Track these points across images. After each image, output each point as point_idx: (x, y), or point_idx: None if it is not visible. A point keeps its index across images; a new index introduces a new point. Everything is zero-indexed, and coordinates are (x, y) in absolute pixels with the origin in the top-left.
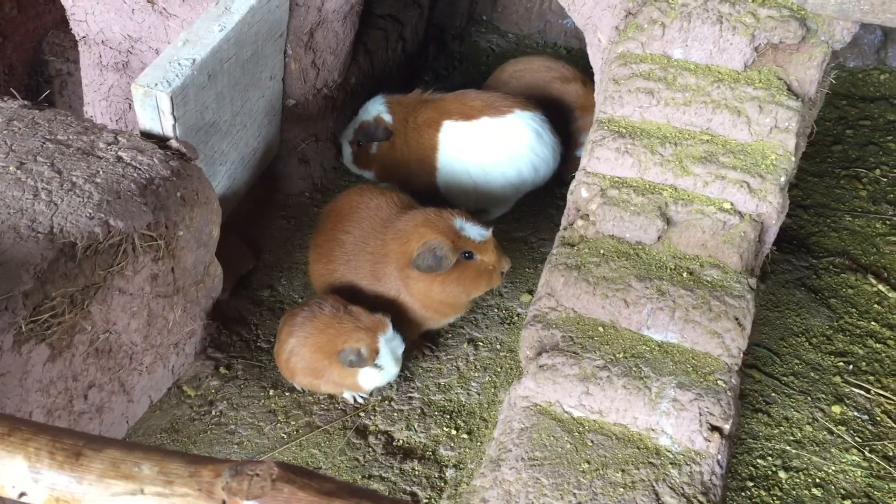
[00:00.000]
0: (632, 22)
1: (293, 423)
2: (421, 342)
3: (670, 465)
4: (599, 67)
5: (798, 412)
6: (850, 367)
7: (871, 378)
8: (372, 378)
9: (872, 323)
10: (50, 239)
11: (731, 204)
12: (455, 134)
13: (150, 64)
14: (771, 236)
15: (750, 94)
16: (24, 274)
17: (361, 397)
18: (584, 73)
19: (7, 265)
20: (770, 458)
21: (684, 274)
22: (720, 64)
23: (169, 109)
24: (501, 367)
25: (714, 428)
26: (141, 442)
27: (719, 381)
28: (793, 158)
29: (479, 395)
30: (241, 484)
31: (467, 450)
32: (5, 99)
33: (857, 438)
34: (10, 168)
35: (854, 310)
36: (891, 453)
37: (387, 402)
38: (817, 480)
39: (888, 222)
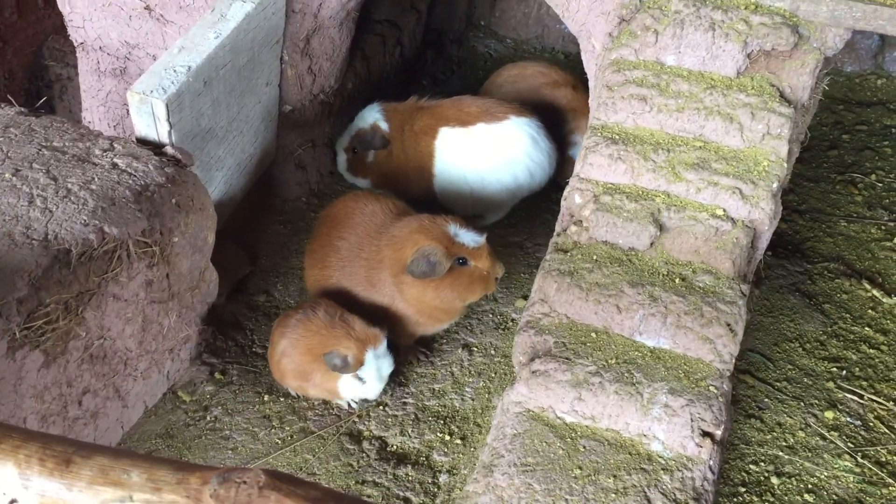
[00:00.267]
0: (625, 29)
1: (287, 428)
2: (415, 347)
3: (662, 471)
4: (593, 74)
5: (791, 418)
6: (844, 372)
7: (865, 384)
8: (352, 388)
9: (866, 328)
10: (45, 246)
11: (724, 210)
12: (452, 140)
13: (147, 70)
14: (764, 242)
15: (742, 101)
16: (18, 280)
17: (355, 402)
18: (580, 77)
19: (2, 272)
20: (762, 464)
21: (677, 280)
22: (713, 70)
23: (164, 116)
24: (496, 373)
25: (706, 434)
26: (135, 447)
27: (711, 387)
28: (785, 165)
29: (473, 400)
30: (229, 491)
31: (461, 455)
32: (2, 106)
33: (849, 444)
34: (6, 175)
35: (848, 315)
36: (883, 459)
37: (381, 407)
38: (810, 486)
39: (883, 227)
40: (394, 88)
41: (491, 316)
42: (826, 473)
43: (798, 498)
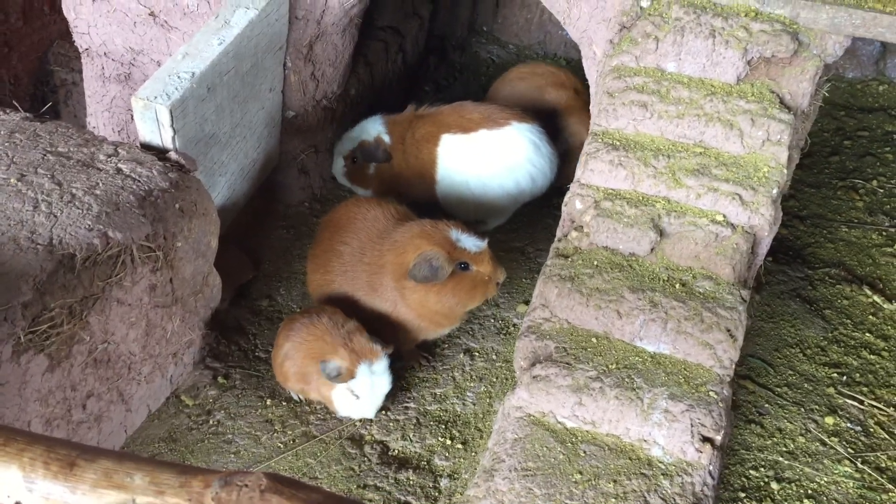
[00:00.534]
0: (626, 35)
1: (290, 432)
2: (417, 352)
3: (662, 476)
4: (594, 80)
5: (791, 423)
6: (844, 378)
7: (865, 389)
8: (345, 401)
9: (867, 334)
10: (49, 250)
11: (724, 216)
12: (454, 147)
13: (151, 76)
14: (764, 248)
15: (742, 108)
16: (23, 285)
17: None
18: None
19: (7, 276)
20: (762, 469)
21: (677, 285)
22: (713, 77)
23: (168, 122)
24: (497, 378)
25: (706, 439)
26: (139, 451)
27: (711, 393)
28: (785, 171)
29: (474, 405)
30: (231, 494)
31: (462, 460)
32: (7, 111)
33: (849, 450)
34: (11, 180)
35: (849, 321)
36: (883, 465)
37: (383, 411)
38: (809, 492)
39: (884, 233)
40: (396, 94)
41: (492, 321)
42: (826, 479)
43: (798, 503)
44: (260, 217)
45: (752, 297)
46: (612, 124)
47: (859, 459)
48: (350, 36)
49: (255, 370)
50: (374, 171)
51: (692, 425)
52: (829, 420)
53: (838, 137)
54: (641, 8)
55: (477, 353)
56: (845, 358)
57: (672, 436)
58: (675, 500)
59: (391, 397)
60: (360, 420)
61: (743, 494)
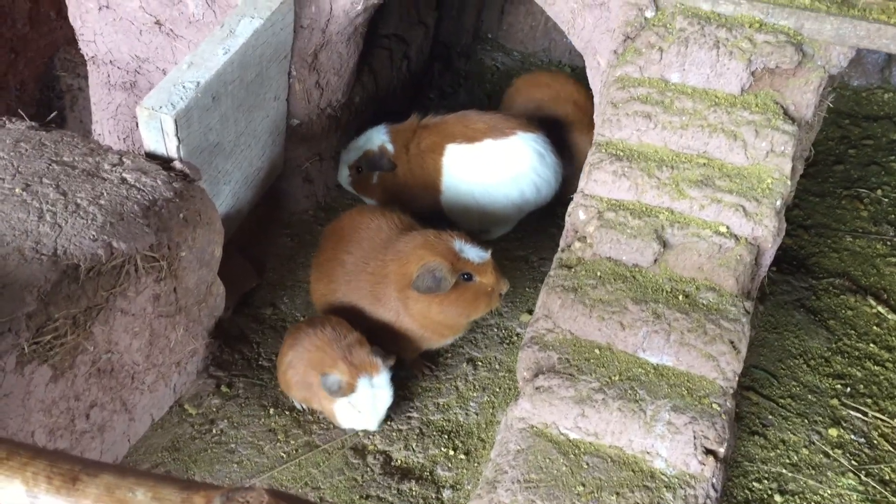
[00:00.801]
0: (630, 46)
1: (293, 442)
2: (420, 362)
3: (665, 489)
4: (598, 90)
5: (795, 435)
6: (848, 389)
7: (869, 401)
8: (347, 414)
9: (871, 345)
10: (54, 261)
11: (727, 227)
12: (458, 157)
13: (157, 84)
14: (767, 259)
15: (746, 119)
16: (27, 295)
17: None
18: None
19: (11, 287)
20: (766, 482)
21: (680, 297)
22: (717, 88)
23: (173, 131)
24: (500, 388)
25: (709, 451)
26: (142, 460)
27: (714, 405)
28: (788, 182)
29: (477, 415)
30: None
31: (465, 470)
32: (13, 120)
33: (853, 462)
34: (16, 190)
35: (853, 332)
36: (887, 477)
37: (386, 421)
38: None
39: (889, 243)
40: (401, 102)
41: (496, 330)
42: (829, 491)
43: None
44: (264, 225)
45: (756, 307)
46: (616, 134)
47: (863, 472)
48: (355, 44)
49: (259, 379)
50: (378, 180)
51: (695, 437)
52: (833, 432)
53: (843, 146)
54: (646, 19)
55: (480, 363)
56: (849, 369)
57: (675, 448)
58: None
59: (394, 407)
60: (363, 430)
61: None
